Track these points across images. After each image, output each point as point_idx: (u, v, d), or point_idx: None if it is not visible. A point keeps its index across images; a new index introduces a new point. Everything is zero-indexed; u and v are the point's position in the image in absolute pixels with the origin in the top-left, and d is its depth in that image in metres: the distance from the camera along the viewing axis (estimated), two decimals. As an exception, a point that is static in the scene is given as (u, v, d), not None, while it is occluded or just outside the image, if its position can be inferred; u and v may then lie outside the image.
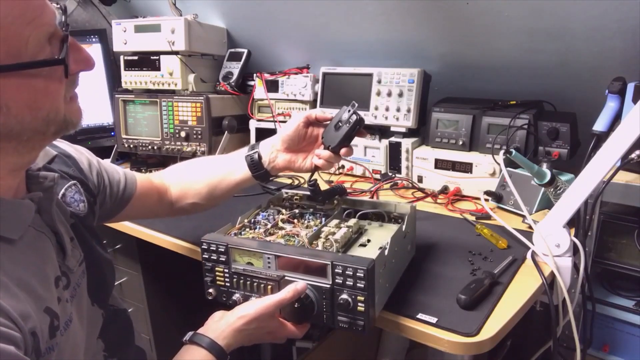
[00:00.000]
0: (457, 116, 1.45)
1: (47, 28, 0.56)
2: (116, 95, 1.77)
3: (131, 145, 1.78)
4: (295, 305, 0.76)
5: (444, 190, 1.41)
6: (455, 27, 1.45)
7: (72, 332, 0.63)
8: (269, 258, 0.79)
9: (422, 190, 1.44)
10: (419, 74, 1.50)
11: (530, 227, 1.10)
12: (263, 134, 1.80)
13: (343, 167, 1.63)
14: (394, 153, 1.54)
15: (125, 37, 1.76)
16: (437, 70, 1.59)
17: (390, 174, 1.55)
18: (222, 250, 0.82)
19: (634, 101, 1.10)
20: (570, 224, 0.99)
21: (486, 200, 1.26)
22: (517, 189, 1.09)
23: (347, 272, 0.72)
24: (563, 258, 0.97)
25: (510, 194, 1.19)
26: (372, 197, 1.42)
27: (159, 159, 1.83)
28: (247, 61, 1.84)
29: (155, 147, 1.74)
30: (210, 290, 0.85)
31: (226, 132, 1.64)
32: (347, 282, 0.73)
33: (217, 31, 1.88)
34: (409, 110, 1.50)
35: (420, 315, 0.79)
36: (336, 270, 0.73)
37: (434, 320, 0.78)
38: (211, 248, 0.83)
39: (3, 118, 0.54)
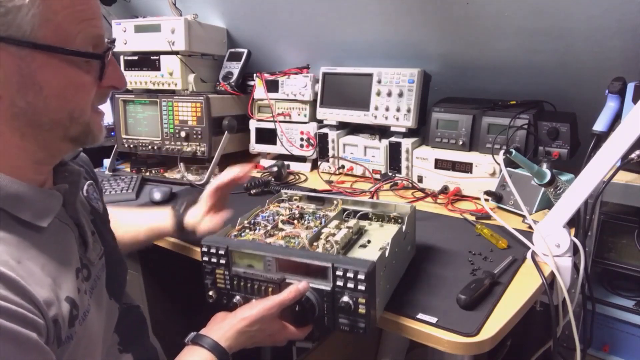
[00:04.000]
0: (457, 116, 1.45)
1: (97, 32, 0.60)
2: (116, 95, 1.77)
3: (131, 145, 1.78)
4: (297, 309, 0.75)
5: (444, 190, 1.41)
6: (455, 27, 1.45)
7: (89, 322, 0.65)
8: (269, 260, 0.79)
9: (422, 190, 1.44)
10: (419, 74, 1.50)
11: (530, 227, 1.10)
12: (263, 134, 1.80)
13: (343, 167, 1.63)
14: (394, 153, 1.54)
15: (125, 37, 1.76)
16: (437, 70, 1.59)
17: (390, 174, 1.55)
18: (223, 253, 0.82)
19: (634, 101, 1.10)
20: (570, 224, 0.99)
21: (486, 200, 1.26)
22: (517, 189, 1.09)
23: (347, 275, 0.72)
24: (563, 258, 0.97)
25: (510, 194, 1.19)
26: (372, 197, 1.42)
27: (159, 159, 1.83)
28: (247, 61, 1.84)
29: (155, 147, 1.74)
30: (211, 292, 0.85)
31: (226, 132, 1.64)
32: (348, 285, 0.73)
33: (217, 31, 1.88)
34: (409, 110, 1.50)
35: (420, 315, 0.79)
36: (337, 272, 0.73)
37: (434, 320, 0.78)
38: (211, 251, 0.83)
39: (32, 96, 0.57)
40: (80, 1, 0.58)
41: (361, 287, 0.72)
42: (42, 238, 0.60)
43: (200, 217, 1.01)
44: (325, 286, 0.75)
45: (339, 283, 0.73)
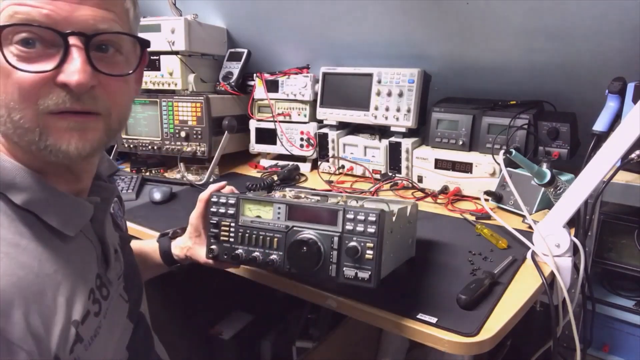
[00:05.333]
0: (457, 116, 1.45)
1: (23, 9, 0.50)
2: (116, 95, 1.77)
3: (131, 145, 1.78)
4: (303, 249, 0.75)
5: (444, 190, 1.41)
6: (455, 27, 1.45)
7: (97, 346, 0.60)
8: (279, 208, 0.79)
9: (422, 190, 1.44)
10: (419, 74, 1.50)
11: (530, 227, 1.10)
12: (263, 133, 1.80)
13: (343, 167, 1.63)
14: (394, 153, 1.54)
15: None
16: (437, 70, 1.59)
17: (390, 174, 1.55)
18: (232, 202, 0.82)
19: (634, 101, 1.10)
20: (570, 224, 0.99)
21: (486, 200, 1.26)
22: (517, 189, 1.09)
23: (358, 218, 0.73)
24: (563, 258, 0.97)
25: (510, 194, 1.19)
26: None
27: (159, 159, 1.83)
28: (247, 61, 1.84)
29: (155, 147, 1.74)
30: (213, 247, 0.83)
31: (226, 132, 1.64)
32: (357, 229, 0.73)
33: (217, 31, 1.88)
34: (409, 110, 1.50)
35: (420, 315, 0.79)
36: (347, 216, 0.73)
37: (434, 320, 0.78)
38: (221, 201, 0.82)
39: None
40: None
41: (371, 230, 0.72)
42: (66, 249, 0.57)
43: (191, 242, 0.92)
44: (334, 232, 0.75)
45: (349, 227, 0.73)
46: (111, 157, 1.78)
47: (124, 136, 1.78)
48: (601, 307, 1.16)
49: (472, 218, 1.24)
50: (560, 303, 0.97)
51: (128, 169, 1.81)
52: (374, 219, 0.72)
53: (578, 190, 0.95)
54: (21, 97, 0.52)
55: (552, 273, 0.94)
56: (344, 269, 0.74)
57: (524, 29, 1.34)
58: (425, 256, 1.01)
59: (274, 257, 0.79)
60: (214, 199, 0.83)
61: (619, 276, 1.18)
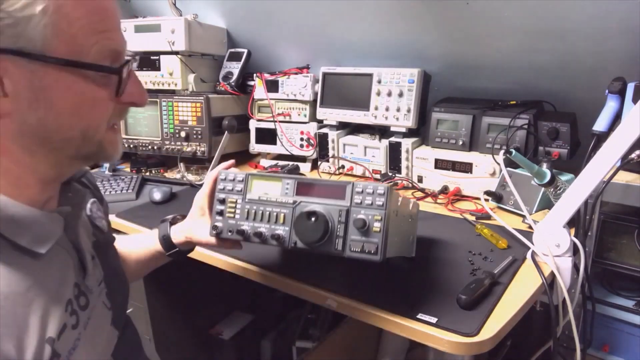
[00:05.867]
0: (457, 116, 1.45)
1: (113, 45, 0.57)
2: (116, 95, 1.77)
3: (131, 145, 1.78)
4: (310, 221, 0.75)
5: (444, 190, 1.41)
6: (455, 27, 1.45)
7: (76, 359, 0.59)
8: (287, 184, 0.80)
9: (422, 190, 1.44)
10: (419, 74, 1.50)
11: (530, 227, 1.10)
12: (263, 134, 1.80)
13: (343, 167, 1.63)
14: (394, 153, 1.54)
15: (125, 37, 1.76)
16: (437, 70, 1.59)
17: (390, 174, 1.55)
18: (241, 179, 0.82)
19: (634, 101, 1.10)
20: (570, 224, 0.99)
21: (486, 200, 1.26)
22: (517, 189, 1.09)
23: (367, 190, 0.74)
24: (563, 258, 0.97)
25: (510, 194, 1.19)
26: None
27: (159, 159, 1.83)
28: (247, 61, 1.84)
29: (155, 147, 1.74)
30: (218, 224, 0.83)
31: (226, 132, 1.64)
32: (365, 201, 0.74)
33: (217, 31, 1.88)
34: (409, 110, 1.50)
35: (420, 315, 0.79)
36: (356, 189, 0.74)
37: (434, 320, 0.78)
38: (229, 178, 0.83)
39: (43, 113, 0.53)
40: (96, 12, 0.54)
41: (379, 203, 0.73)
42: (38, 265, 0.55)
43: (194, 223, 0.90)
44: (342, 206, 0.75)
45: (357, 200, 0.74)
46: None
47: (124, 136, 1.78)
48: (601, 307, 1.15)
49: (472, 218, 1.24)
50: (560, 303, 0.97)
51: (128, 169, 1.81)
52: (382, 191, 0.73)
53: (578, 190, 0.95)
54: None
55: (552, 273, 0.94)
56: (351, 242, 0.74)
57: (524, 29, 1.34)
58: (425, 256, 1.01)
59: (279, 232, 0.78)
60: (222, 177, 0.84)
61: (619, 276, 1.18)
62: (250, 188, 0.82)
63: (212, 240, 0.85)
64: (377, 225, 0.73)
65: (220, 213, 0.83)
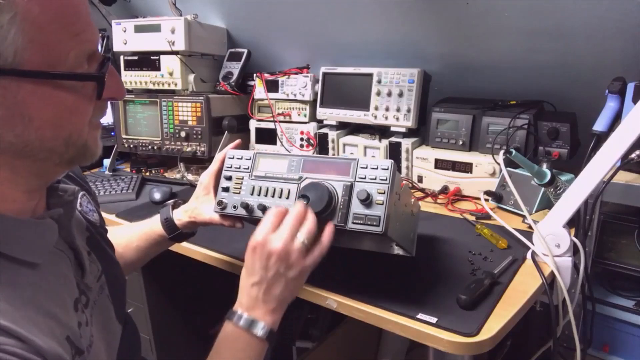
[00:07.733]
0: (457, 116, 1.45)
1: (90, 46, 0.54)
2: (116, 95, 1.77)
3: (131, 145, 1.78)
4: (315, 191, 0.76)
5: (444, 190, 1.41)
6: (455, 27, 1.45)
7: (93, 355, 0.59)
8: (294, 162, 0.82)
9: (422, 190, 1.44)
10: (419, 74, 1.50)
11: (530, 227, 1.10)
12: (263, 133, 1.80)
13: (343, 167, 1.63)
14: (394, 153, 1.53)
15: (125, 37, 1.76)
16: (437, 70, 1.59)
17: (390, 174, 1.55)
18: (248, 157, 0.85)
19: (634, 101, 1.10)
20: (570, 224, 0.99)
21: (486, 200, 1.26)
22: (517, 189, 1.09)
23: (371, 166, 0.76)
24: (563, 258, 0.97)
25: (510, 194, 1.19)
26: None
27: (159, 159, 1.83)
28: (247, 61, 1.84)
29: (155, 147, 1.74)
30: (223, 199, 0.85)
31: (226, 132, 1.64)
32: (369, 175, 0.75)
33: (217, 31, 1.88)
34: (409, 110, 1.50)
35: (420, 315, 0.79)
36: (361, 165, 0.76)
37: (434, 320, 0.78)
38: (236, 156, 0.86)
39: (21, 129, 0.50)
40: (67, 13, 0.50)
41: (383, 177, 0.75)
42: (37, 275, 0.54)
43: (197, 203, 0.91)
44: (346, 180, 0.77)
45: (361, 175, 0.76)
46: (111, 158, 1.79)
47: (124, 136, 1.78)
48: (601, 307, 1.15)
49: (472, 218, 1.24)
50: (560, 303, 0.97)
51: (128, 169, 1.81)
52: (386, 166, 0.75)
53: (578, 190, 0.95)
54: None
55: (552, 273, 0.94)
56: (353, 215, 0.75)
57: (524, 29, 1.34)
58: (425, 256, 1.01)
59: (284, 205, 0.78)
60: (230, 156, 0.86)
61: (619, 276, 1.18)
62: (257, 166, 0.84)
63: (216, 217, 0.86)
64: (379, 198, 0.74)
65: (226, 189, 0.85)
